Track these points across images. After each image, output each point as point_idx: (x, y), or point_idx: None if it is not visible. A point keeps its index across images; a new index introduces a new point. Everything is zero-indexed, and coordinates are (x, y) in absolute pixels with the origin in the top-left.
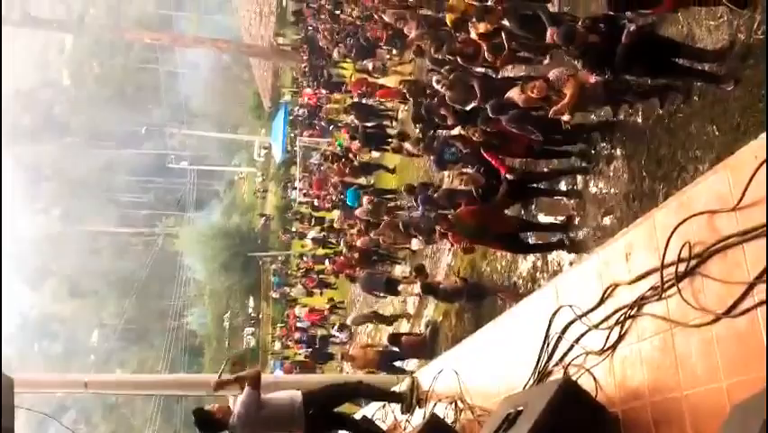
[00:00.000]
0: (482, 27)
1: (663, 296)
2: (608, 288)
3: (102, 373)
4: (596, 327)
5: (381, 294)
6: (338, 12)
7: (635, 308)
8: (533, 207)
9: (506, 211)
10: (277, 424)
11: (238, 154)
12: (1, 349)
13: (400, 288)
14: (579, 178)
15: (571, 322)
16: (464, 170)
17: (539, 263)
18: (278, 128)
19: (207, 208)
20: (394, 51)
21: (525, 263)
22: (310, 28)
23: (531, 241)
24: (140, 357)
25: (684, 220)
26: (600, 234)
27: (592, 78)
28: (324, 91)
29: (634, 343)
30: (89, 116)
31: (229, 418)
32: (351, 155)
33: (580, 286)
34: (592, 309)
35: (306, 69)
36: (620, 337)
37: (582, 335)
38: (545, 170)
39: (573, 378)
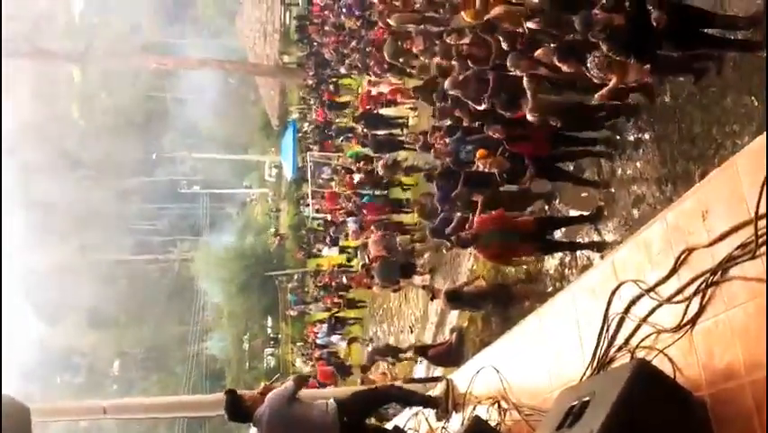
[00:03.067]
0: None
1: (758, 253)
2: (680, 254)
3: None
4: (668, 300)
5: (397, 281)
6: (343, 20)
7: (720, 273)
8: (556, 201)
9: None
10: (305, 428)
11: (249, 175)
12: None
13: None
14: (605, 166)
15: (636, 299)
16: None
17: (567, 259)
18: (287, 146)
19: (221, 231)
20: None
21: (553, 261)
22: (315, 43)
23: (558, 238)
24: (161, 385)
25: None
26: (631, 224)
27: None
28: (327, 111)
29: (720, 313)
30: (100, 148)
31: (257, 407)
32: (363, 164)
33: (642, 258)
34: (662, 282)
35: (314, 86)
36: (701, 309)
37: (651, 312)
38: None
39: None
